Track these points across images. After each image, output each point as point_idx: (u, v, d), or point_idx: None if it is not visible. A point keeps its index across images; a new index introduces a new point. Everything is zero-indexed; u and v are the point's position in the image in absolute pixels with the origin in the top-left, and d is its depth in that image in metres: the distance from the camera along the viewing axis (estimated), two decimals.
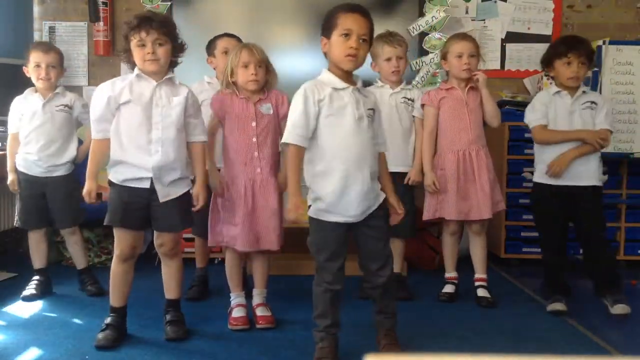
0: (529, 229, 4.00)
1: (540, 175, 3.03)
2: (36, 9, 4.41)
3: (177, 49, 2.56)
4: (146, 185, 2.47)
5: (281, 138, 2.34)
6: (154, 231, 2.60)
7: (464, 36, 3.22)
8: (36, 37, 4.39)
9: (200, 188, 2.60)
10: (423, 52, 4.20)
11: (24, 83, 3.21)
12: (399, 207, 2.38)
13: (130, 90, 2.46)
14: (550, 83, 3.38)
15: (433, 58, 4.14)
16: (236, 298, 2.79)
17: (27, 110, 3.12)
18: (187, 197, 2.58)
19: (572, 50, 2.92)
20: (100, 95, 2.47)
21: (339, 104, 2.24)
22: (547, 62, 3.04)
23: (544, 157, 3.01)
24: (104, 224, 2.52)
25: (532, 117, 3.02)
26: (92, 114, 2.51)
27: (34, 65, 3.09)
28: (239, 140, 2.69)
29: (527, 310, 3.04)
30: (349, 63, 2.22)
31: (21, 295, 3.11)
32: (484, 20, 4.40)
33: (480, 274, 3.19)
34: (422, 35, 4.18)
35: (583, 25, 4.39)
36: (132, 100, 2.45)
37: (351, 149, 2.23)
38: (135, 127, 2.45)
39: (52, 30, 4.39)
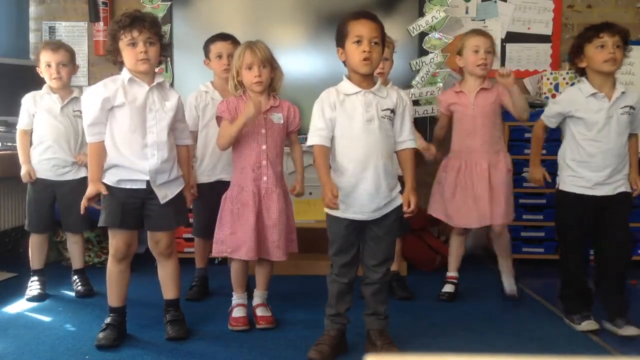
0: (529, 229, 4.01)
1: (566, 184, 2.76)
2: (36, 9, 4.40)
3: (164, 48, 2.54)
4: (142, 186, 2.47)
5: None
6: (148, 231, 2.59)
7: (481, 32, 3.17)
8: (36, 37, 4.39)
9: (186, 190, 2.64)
10: (423, 52, 4.19)
11: (24, 83, 3.21)
12: (407, 204, 2.38)
13: (125, 94, 2.45)
14: (578, 80, 2.91)
15: (433, 58, 4.13)
16: (238, 299, 2.78)
17: (42, 109, 3.10)
18: (181, 196, 2.59)
19: (604, 30, 2.62)
20: (94, 98, 2.44)
21: (349, 108, 2.35)
22: (576, 51, 2.71)
23: (568, 163, 2.76)
24: (99, 225, 2.51)
25: (546, 109, 2.82)
26: (86, 117, 2.47)
27: (45, 65, 3.08)
28: (248, 147, 2.66)
29: (527, 310, 3.04)
30: (365, 67, 2.31)
31: (27, 297, 3.11)
32: (484, 20, 4.40)
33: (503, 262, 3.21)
34: (422, 35, 4.17)
35: (583, 25, 4.31)
36: (126, 104, 2.44)
37: (358, 150, 2.34)
38: (130, 131, 2.44)
39: (52, 30, 4.39)
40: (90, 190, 2.45)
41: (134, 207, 2.49)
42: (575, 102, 2.71)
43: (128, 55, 2.44)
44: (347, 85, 2.38)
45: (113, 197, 2.46)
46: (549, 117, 2.83)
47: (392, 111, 2.37)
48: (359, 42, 2.29)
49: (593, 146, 2.68)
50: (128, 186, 2.46)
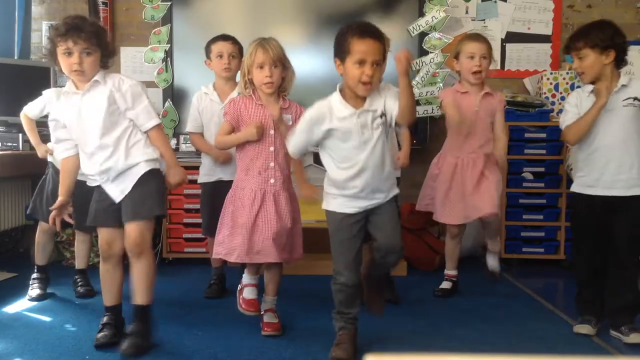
0: (529, 229, 4.01)
1: (576, 185, 2.72)
2: (36, 9, 4.41)
3: (107, 55, 2.45)
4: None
5: None
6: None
7: (478, 37, 3.16)
8: (35, 37, 4.39)
9: (172, 167, 2.49)
10: (423, 52, 4.19)
11: (24, 83, 3.21)
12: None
13: (61, 110, 2.46)
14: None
15: (433, 58, 4.13)
16: (250, 279, 2.68)
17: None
18: (147, 181, 2.42)
19: (568, 50, 2.75)
20: (50, 119, 2.56)
21: (341, 133, 2.29)
22: None
23: (578, 163, 2.73)
24: (87, 224, 2.54)
25: (562, 119, 2.75)
26: (52, 136, 2.61)
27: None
28: (255, 148, 2.59)
29: (527, 310, 3.04)
30: (364, 91, 2.25)
31: (28, 297, 3.12)
32: (484, 20, 4.40)
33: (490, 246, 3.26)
34: (422, 35, 4.18)
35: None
36: (63, 121, 2.45)
37: (352, 161, 2.31)
38: (79, 143, 2.46)
39: None
40: (55, 205, 2.50)
41: (109, 203, 2.45)
42: (578, 101, 2.71)
43: (63, 63, 2.39)
44: (340, 106, 2.29)
45: (88, 198, 2.52)
46: (568, 120, 2.75)
47: (383, 114, 2.29)
48: (361, 63, 2.20)
49: (594, 141, 2.63)
50: (93, 184, 2.50)
